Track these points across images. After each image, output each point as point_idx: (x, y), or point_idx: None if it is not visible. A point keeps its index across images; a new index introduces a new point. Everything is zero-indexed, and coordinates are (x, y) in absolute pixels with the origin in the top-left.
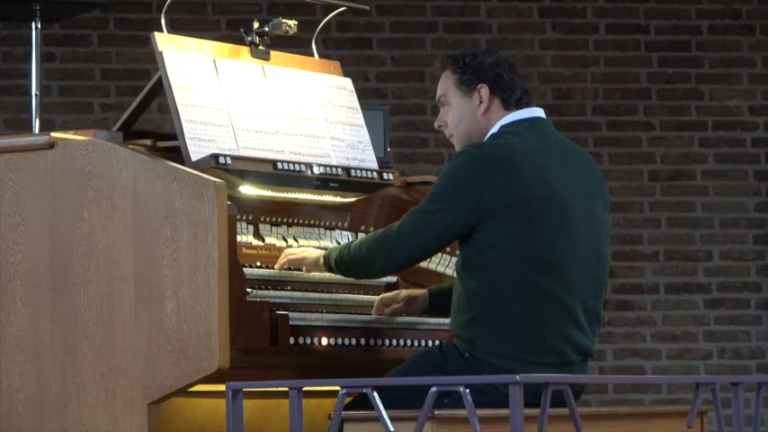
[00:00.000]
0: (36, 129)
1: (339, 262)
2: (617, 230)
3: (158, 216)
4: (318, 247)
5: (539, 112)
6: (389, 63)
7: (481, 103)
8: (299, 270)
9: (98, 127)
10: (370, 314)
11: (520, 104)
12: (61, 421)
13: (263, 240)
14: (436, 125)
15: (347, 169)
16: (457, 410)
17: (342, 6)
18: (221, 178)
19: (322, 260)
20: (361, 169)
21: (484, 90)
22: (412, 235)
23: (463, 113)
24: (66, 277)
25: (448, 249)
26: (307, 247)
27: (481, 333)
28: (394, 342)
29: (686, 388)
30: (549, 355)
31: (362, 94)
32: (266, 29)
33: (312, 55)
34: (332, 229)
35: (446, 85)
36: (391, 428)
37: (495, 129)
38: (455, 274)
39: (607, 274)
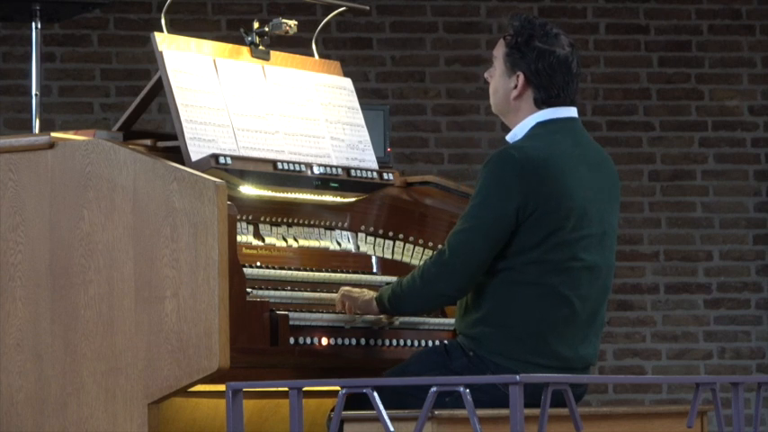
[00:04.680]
0: (36, 129)
1: (393, 299)
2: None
3: (158, 216)
4: (318, 248)
5: (573, 111)
6: (389, 63)
7: (516, 87)
8: (300, 271)
9: (98, 127)
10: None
11: (550, 104)
12: (61, 421)
13: (263, 240)
14: (485, 75)
15: (347, 169)
16: (457, 410)
17: (342, 6)
18: (221, 178)
19: (375, 302)
20: (361, 169)
21: (520, 78)
22: (465, 253)
23: (499, 87)
24: (66, 277)
25: None
26: (363, 289)
27: (489, 332)
28: (394, 342)
29: (686, 388)
30: (554, 360)
31: (362, 94)
32: (266, 29)
33: (312, 55)
34: (332, 229)
35: (498, 50)
36: (391, 428)
37: (530, 123)
38: None
39: (612, 282)
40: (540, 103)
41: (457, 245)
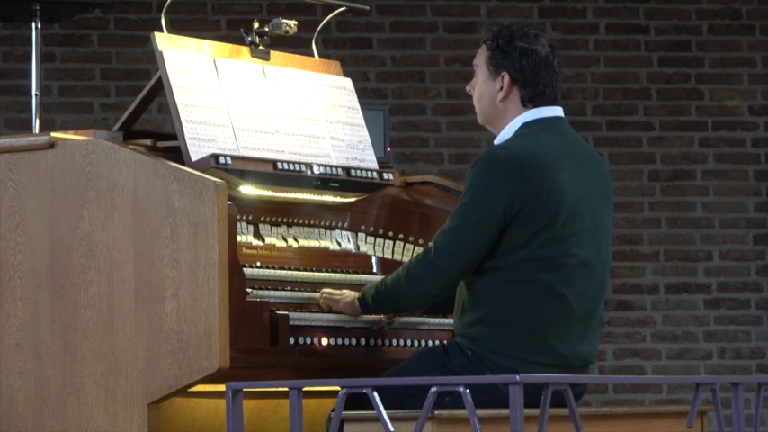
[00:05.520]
0: (36, 129)
1: (377, 297)
2: (617, 230)
3: (158, 216)
4: (318, 248)
5: (558, 111)
6: (389, 63)
7: (501, 89)
8: (300, 271)
9: (98, 127)
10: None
11: (537, 103)
12: (61, 421)
13: (263, 240)
14: (467, 89)
15: (347, 169)
16: (457, 410)
17: (342, 6)
18: (221, 178)
19: (357, 302)
20: (361, 169)
21: (506, 78)
22: (451, 252)
23: (484, 92)
24: (66, 277)
25: None
26: (344, 290)
27: (486, 332)
28: (394, 342)
29: (686, 388)
30: (552, 357)
31: (362, 94)
32: (266, 29)
33: (312, 55)
34: (332, 229)
35: (479, 58)
36: (391, 428)
37: (516, 124)
38: None
39: (609, 279)
40: (527, 102)
41: (444, 244)
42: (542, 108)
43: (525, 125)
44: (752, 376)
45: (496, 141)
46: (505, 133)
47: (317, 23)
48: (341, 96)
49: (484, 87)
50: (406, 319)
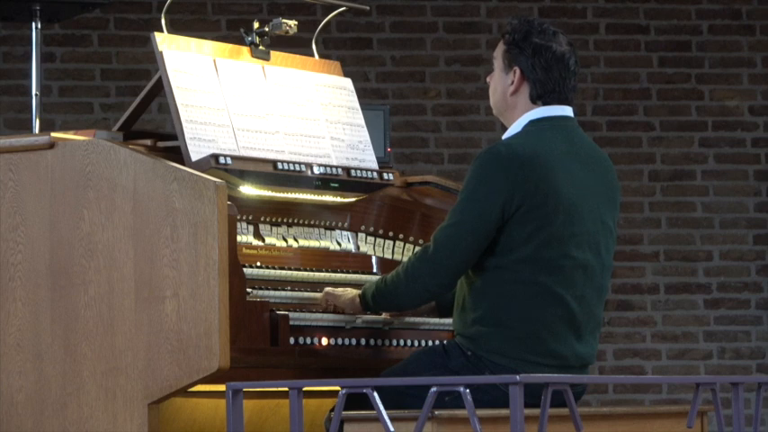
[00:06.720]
0: (36, 129)
1: (377, 296)
2: (617, 230)
3: (158, 216)
4: (318, 248)
5: (567, 110)
6: (389, 63)
7: (512, 83)
8: (300, 271)
9: (98, 127)
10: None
11: (546, 100)
12: (61, 421)
13: (263, 240)
14: (486, 79)
15: (347, 169)
16: (457, 410)
17: (342, 6)
18: (221, 178)
19: (358, 299)
20: (361, 169)
21: (517, 73)
22: (450, 248)
23: (497, 85)
24: (66, 277)
25: None
26: (346, 288)
27: (486, 331)
28: (395, 342)
29: (686, 388)
30: (551, 359)
31: (362, 94)
32: (266, 29)
33: (312, 55)
34: (332, 229)
35: (497, 51)
36: (391, 428)
37: (523, 122)
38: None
39: (610, 282)
40: (536, 99)
41: (442, 240)
42: (551, 106)
43: (531, 122)
44: (752, 376)
45: (504, 136)
46: (513, 128)
47: (317, 23)
48: (341, 96)
49: (497, 80)
50: (408, 318)
